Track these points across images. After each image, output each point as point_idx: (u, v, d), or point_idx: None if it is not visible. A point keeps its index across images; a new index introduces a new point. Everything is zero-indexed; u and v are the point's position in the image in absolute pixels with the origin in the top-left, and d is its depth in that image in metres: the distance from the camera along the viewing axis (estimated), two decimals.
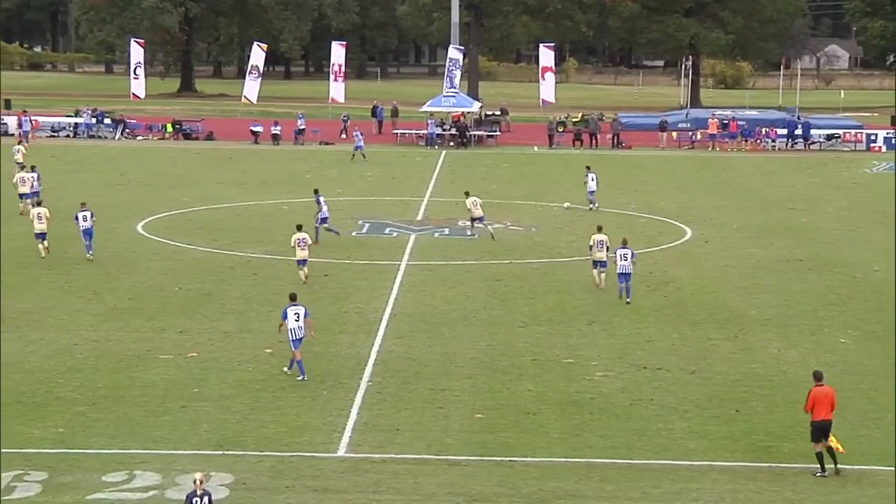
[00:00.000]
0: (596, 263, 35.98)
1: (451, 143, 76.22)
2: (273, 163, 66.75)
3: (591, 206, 50.53)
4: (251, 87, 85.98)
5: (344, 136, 78.92)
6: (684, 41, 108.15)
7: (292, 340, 26.75)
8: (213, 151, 71.94)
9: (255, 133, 76.98)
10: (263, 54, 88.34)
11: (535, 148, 75.99)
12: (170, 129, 79.73)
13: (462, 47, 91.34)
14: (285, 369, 27.18)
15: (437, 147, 74.89)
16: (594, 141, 77.20)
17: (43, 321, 31.15)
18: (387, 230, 45.80)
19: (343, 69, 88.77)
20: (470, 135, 77.61)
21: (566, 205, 51.41)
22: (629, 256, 34.38)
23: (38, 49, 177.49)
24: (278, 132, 76.53)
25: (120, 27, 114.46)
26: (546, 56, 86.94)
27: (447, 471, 21.56)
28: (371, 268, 38.80)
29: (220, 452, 22.06)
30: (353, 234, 44.88)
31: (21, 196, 47.54)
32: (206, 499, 17.55)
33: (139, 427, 23.37)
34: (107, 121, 80.00)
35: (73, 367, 27.17)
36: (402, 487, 20.79)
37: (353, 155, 67.12)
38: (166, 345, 29.11)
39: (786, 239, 44.60)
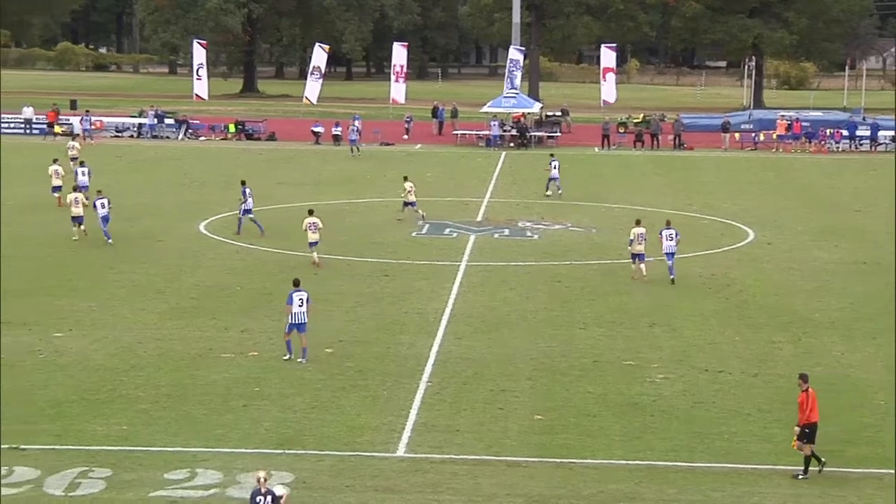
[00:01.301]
0: (634, 257, 36.82)
1: (511, 144, 76.13)
2: (333, 163, 67.01)
3: (548, 193, 53.23)
4: (312, 88, 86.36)
5: (406, 136, 79.12)
6: (748, 42, 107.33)
7: (296, 324, 27.68)
8: (275, 152, 72.33)
9: (316, 134, 77.31)
10: (325, 55, 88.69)
11: (596, 149, 75.77)
12: (232, 129, 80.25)
13: (523, 48, 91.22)
14: (286, 357, 27.81)
15: (497, 148, 74.83)
16: (655, 142, 76.83)
17: (107, 319, 31.45)
18: (446, 231, 45.82)
19: (404, 70, 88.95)
20: (530, 135, 77.50)
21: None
22: (674, 236, 36.34)
23: (103, 50, 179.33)
24: (339, 133, 76.81)
25: (184, 28, 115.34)
26: (607, 56, 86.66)
27: (506, 472, 21.53)
28: (431, 268, 38.84)
29: (281, 451, 22.16)
30: (413, 234, 44.95)
31: (53, 188, 48.85)
32: (269, 497, 17.58)
33: (201, 425, 23.53)
34: (169, 121, 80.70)
35: (137, 366, 27.41)
36: (462, 488, 20.79)
37: (352, 150, 69.58)
38: (228, 344, 29.29)
39: (850, 241, 44.14)
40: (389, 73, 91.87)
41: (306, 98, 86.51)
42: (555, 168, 54.45)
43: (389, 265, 38.92)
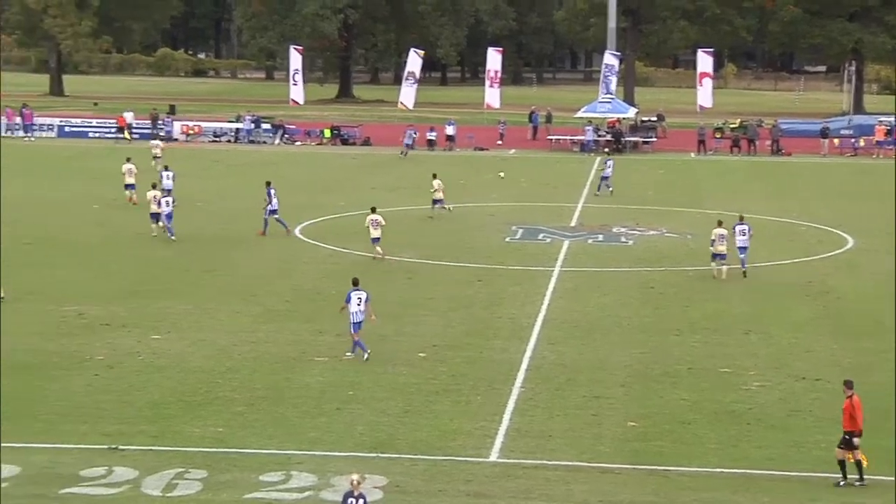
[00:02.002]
0: (715, 256, 37.65)
1: (606, 149, 75.76)
2: (428, 168, 67.11)
3: (597, 192, 55.33)
4: (407, 93, 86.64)
5: (500, 142, 79.12)
6: (847, 46, 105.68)
7: (353, 323, 28.20)
8: (369, 157, 72.70)
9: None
10: (420, 60, 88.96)
11: (692, 154, 75.13)
12: (328, 134, 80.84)
13: (618, 53, 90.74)
14: (365, 357, 28.04)
15: (591, 153, 74.51)
16: (752, 147, 75.99)
17: (204, 322, 31.83)
18: (540, 236, 45.73)
19: (499, 75, 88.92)
20: (625, 140, 77.09)
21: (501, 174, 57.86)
22: (746, 231, 37.76)
23: (201, 56, 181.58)
24: (433, 138, 77.02)
25: (281, 34, 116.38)
26: (704, 61, 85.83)
27: (599, 478, 21.41)
28: (524, 273, 38.78)
29: (374, 455, 22.24)
30: (507, 239, 44.92)
31: (126, 186, 50.49)
32: (361, 501, 17.61)
33: (295, 428, 23.70)
34: (265, 126, 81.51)
35: (232, 368, 27.70)
36: (554, 494, 20.71)
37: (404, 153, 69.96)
38: (322, 347, 29.48)
39: None
40: (484, 78, 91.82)
41: (401, 103, 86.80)
42: (609, 167, 56.43)
43: (483, 270, 38.93)
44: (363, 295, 28.47)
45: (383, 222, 40.22)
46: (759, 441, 23.30)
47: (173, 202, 42.85)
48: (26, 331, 30.31)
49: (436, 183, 48.89)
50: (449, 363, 28.28)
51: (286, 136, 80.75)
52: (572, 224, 48.70)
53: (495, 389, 26.33)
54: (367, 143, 79.77)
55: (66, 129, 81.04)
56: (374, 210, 40.72)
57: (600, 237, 45.65)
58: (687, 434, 23.71)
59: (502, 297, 35.23)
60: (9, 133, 78.59)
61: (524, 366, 28.24)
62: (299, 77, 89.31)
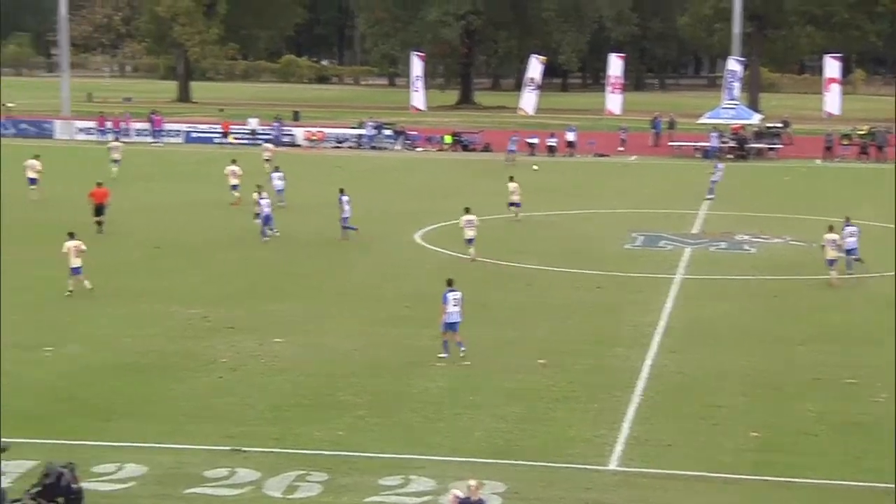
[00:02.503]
0: (830, 262, 37.49)
1: (730, 156, 74.86)
2: (548, 174, 67.02)
3: (709, 197, 55.50)
4: (528, 99, 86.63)
5: (622, 148, 78.69)
6: None
7: (446, 323, 28.56)
8: (490, 163, 72.75)
9: (531, 145, 77.50)
10: (541, 66, 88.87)
11: (818, 161, 73.90)
12: (448, 140, 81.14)
13: (743, 58, 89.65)
14: (441, 354, 28.50)
15: (714, 160, 73.61)
16: (881, 154, 74.46)
17: (324, 326, 32.12)
18: (661, 243, 45.34)
19: (621, 81, 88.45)
20: (749, 147, 76.09)
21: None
22: (855, 233, 38.12)
23: (325, 63, 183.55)
24: (554, 144, 76.85)
25: (403, 41, 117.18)
26: (831, 67, 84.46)
27: (721, 489, 21.15)
28: (645, 281, 38.48)
29: (493, 461, 22.23)
30: (627, 246, 44.63)
31: (232, 187, 52.23)
32: None
33: (415, 433, 23.80)
34: (387, 132, 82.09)
35: (353, 372, 27.90)
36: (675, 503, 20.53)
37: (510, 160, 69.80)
38: (438, 352, 29.53)
39: None
40: (605, 85, 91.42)
41: (522, 109, 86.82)
42: (718, 172, 57.58)
43: (602, 277, 38.72)
44: (458, 295, 28.76)
45: (477, 223, 41.04)
46: (886, 454, 22.77)
47: (281, 203, 43.41)
48: (152, 332, 30.91)
49: (512, 186, 49.43)
50: (568, 370, 28.17)
51: (407, 142, 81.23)
52: (694, 231, 48.21)
53: (615, 397, 26.16)
54: (487, 149, 79.89)
55: (193, 134, 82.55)
56: (468, 210, 41.24)
57: (723, 245, 45.11)
58: (811, 445, 23.31)
59: (622, 305, 35.01)
60: (108, 138, 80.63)
61: (644, 374, 28.02)
62: (421, 83, 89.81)
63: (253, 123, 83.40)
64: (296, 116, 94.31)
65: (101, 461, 21.72)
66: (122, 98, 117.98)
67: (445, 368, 28.18)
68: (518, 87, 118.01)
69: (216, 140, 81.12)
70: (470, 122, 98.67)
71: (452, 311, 28.58)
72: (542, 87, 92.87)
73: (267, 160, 62.11)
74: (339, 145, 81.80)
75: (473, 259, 40.40)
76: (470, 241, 40.73)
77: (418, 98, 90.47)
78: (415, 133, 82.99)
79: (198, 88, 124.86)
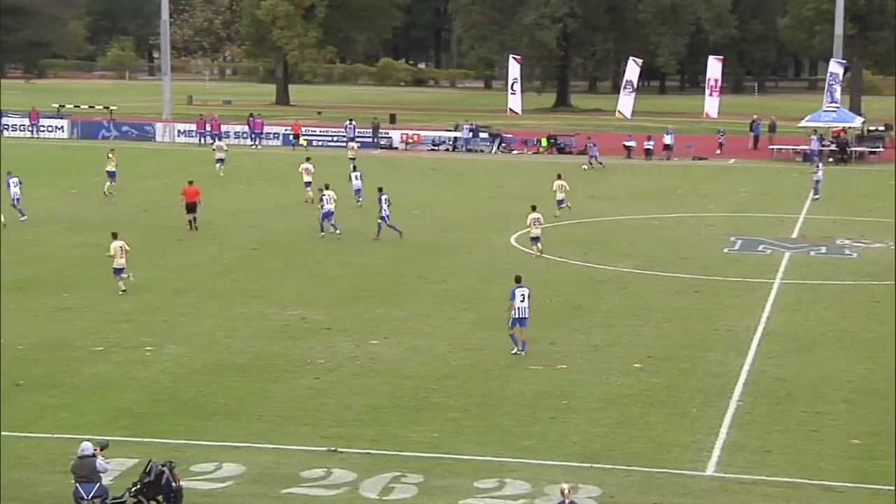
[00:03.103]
0: None
1: (831, 160, 73.81)
2: (645, 177, 66.66)
3: (816, 196, 56.04)
4: (625, 102, 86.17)
5: (719, 151, 77.96)
6: None
7: (518, 319, 29.17)
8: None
9: (627, 148, 77.12)
10: (638, 69, 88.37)
11: None
12: (544, 143, 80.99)
13: (844, 61, 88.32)
14: (513, 351, 29.12)
15: (815, 163, 72.64)
16: None
17: (420, 328, 32.25)
18: (760, 247, 44.83)
19: (719, 84, 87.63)
20: (850, 151, 74.94)
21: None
22: None
23: (422, 66, 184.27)
24: (651, 147, 76.39)
25: (500, 44, 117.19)
26: None
27: (821, 496, 20.87)
28: (742, 285, 38.09)
29: (588, 465, 22.16)
30: (725, 250, 44.20)
31: (306, 184, 53.47)
32: None
33: (509, 436, 23.80)
34: (483, 135, 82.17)
35: (448, 374, 27.98)
36: None
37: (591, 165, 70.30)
38: (536, 356, 29.52)
39: None
40: (704, 87, 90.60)
41: (619, 112, 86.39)
42: (820, 171, 57.82)
43: (700, 281, 38.40)
44: (526, 291, 29.35)
45: (543, 221, 41.95)
46: None
47: (333, 199, 44.84)
48: (251, 333, 31.26)
49: (556, 184, 50.48)
50: (664, 375, 27.99)
51: (503, 144, 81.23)
52: (794, 235, 47.61)
53: (712, 402, 25.94)
54: (583, 151, 79.56)
55: (291, 137, 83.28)
56: (534, 208, 42.07)
57: (823, 249, 44.50)
58: None
59: (720, 309, 34.69)
60: (198, 140, 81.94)
61: (742, 379, 27.73)
62: (518, 86, 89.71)
63: (350, 127, 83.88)
64: (392, 119, 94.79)
65: (200, 460, 22.03)
66: (222, 101, 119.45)
67: (540, 372, 28.15)
68: (615, 89, 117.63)
69: (315, 143, 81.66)
70: (566, 124, 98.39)
71: (520, 306, 29.19)
72: (640, 90, 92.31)
73: (352, 159, 63.13)
74: (435, 148, 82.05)
75: (538, 255, 41.39)
76: (536, 238, 41.67)
77: (515, 101, 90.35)
78: (510, 136, 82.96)
79: (296, 91, 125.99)
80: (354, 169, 54.59)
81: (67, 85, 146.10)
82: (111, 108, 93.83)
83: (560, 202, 50.15)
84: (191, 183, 47.29)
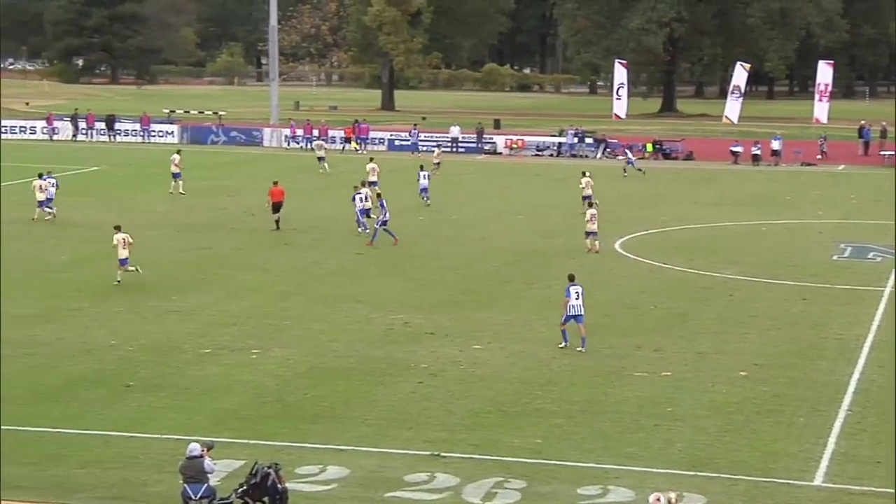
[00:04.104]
0: None
1: None
2: (752, 183, 65.89)
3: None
4: (732, 107, 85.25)
5: (820, 156, 76.82)
6: None
7: (573, 315, 30.13)
8: (692, 171, 71.90)
9: (734, 153, 76.31)
10: (746, 74, 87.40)
11: None
12: (650, 148, 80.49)
13: None
14: (561, 345, 29.97)
15: None
16: None
17: (523, 333, 32.20)
18: (870, 255, 44.05)
19: (829, 88, 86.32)
20: None
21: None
22: None
23: (526, 71, 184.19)
24: (758, 152, 75.51)
25: (605, 48, 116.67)
26: None
27: None
28: (852, 293, 37.45)
29: (693, 473, 21.95)
30: (834, 257, 43.51)
31: (371, 184, 53.48)
32: None
33: (613, 442, 23.66)
34: (588, 140, 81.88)
35: (551, 380, 27.89)
36: None
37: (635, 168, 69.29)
38: (640, 363, 29.33)
39: None
40: (813, 92, 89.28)
41: (726, 117, 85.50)
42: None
43: (808, 288, 37.84)
44: (580, 289, 30.33)
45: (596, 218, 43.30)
46: None
47: (366, 198, 46.42)
48: (355, 337, 31.46)
49: (584, 181, 51.96)
50: (771, 383, 27.63)
51: (608, 150, 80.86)
52: None
53: (820, 412, 25.54)
54: (689, 157, 78.96)
55: (396, 142, 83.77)
56: (591, 205, 43.91)
57: None
58: None
59: (828, 317, 34.15)
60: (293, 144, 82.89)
61: (851, 388, 27.26)
62: (623, 91, 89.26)
63: (455, 132, 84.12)
64: (497, 124, 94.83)
65: (305, 462, 22.22)
66: (328, 106, 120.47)
67: (644, 378, 27.95)
68: (722, 94, 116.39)
69: (422, 148, 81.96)
70: (672, 130, 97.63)
71: (575, 304, 30.07)
72: (747, 95, 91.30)
73: (437, 164, 64.50)
74: (540, 153, 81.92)
75: (591, 251, 42.86)
76: (591, 233, 43.04)
77: (620, 106, 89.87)
78: (615, 141, 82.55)
79: (401, 97, 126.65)
80: (422, 168, 56.05)
81: (178, 90, 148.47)
82: (220, 113, 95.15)
83: (586, 198, 50.12)
84: (276, 184, 48.36)
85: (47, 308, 33.76)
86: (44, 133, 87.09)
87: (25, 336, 30.68)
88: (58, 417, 24.53)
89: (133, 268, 37.37)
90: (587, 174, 52.77)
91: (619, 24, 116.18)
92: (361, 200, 46.36)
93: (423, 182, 54.61)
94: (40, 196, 49.45)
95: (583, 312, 30.13)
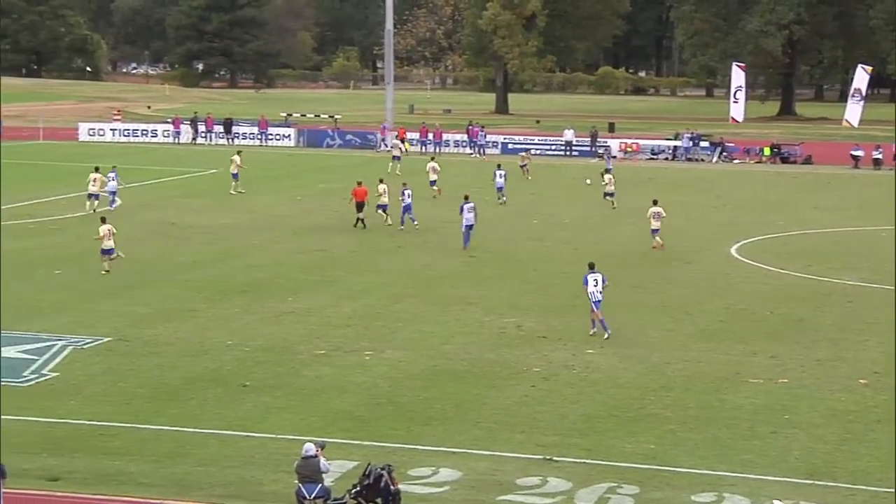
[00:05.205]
0: None
1: None
2: (872, 188, 64.66)
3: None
4: (853, 111, 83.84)
5: None
6: None
7: (593, 302, 31.58)
8: (811, 175, 70.80)
9: (855, 157, 74.98)
10: (867, 77, 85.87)
11: None
12: (767, 152, 79.47)
13: None
14: (591, 332, 31.39)
15: None
16: None
17: (637, 339, 31.98)
18: None
19: None
20: None
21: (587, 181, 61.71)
22: None
23: (642, 74, 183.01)
24: (880, 157, 74.10)
25: (723, 51, 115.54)
26: None
27: None
28: None
29: (810, 482, 21.62)
30: None
31: (431, 183, 57.47)
32: None
33: (727, 449, 23.39)
34: (704, 144, 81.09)
35: (665, 386, 27.67)
36: None
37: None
38: (756, 369, 28.96)
39: None
40: None
41: (846, 121, 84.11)
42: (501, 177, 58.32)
43: None
44: (599, 277, 31.69)
45: (664, 214, 44.40)
46: None
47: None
48: (467, 340, 31.51)
49: (607, 177, 55.37)
50: (892, 391, 27.07)
51: (724, 153, 79.99)
52: None
53: None
54: (808, 161, 77.79)
55: (510, 145, 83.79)
56: (655, 203, 44.59)
57: None
58: None
59: None
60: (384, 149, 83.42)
61: None
62: (741, 94, 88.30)
63: (569, 135, 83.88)
64: (611, 128, 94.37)
65: (417, 464, 22.31)
66: (442, 110, 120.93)
67: (760, 385, 27.60)
68: (842, 98, 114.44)
69: (535, 151, 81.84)
70: (790, 133, 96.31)
71: (592, 290, 31.51)
72: (869, 98, 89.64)
73: (522, 167, 65.69)
74: (654, 157, 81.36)
75: (657, 247, 44.01)
76: (655, 231, 44.17)
77: (737, 109, 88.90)
78: (732, 145, 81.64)
79: (515, 100, 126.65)
80: (499, 167, 57.31)
81: (294, 94, 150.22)
82: (336, 117, 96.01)
83: (608, 195, 54.45)
84: (360, 184, 49.71)
85: (167, 308, 34.37)
86: (165, 136, 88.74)
87: (148, 335, 31.28)
88: (176, 416, 24.97)
89: (118, 254, 39.28)
90: (609, 171, 56.23)
91: (736, 27, 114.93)
92: (409, 197, 48.48)
93: (500, 181, 56.15)
94: (93, 189, 52.03)
95: (601, 298, 31.51)
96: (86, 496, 20.78)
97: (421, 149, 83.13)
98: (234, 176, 58.88)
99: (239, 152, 61.50)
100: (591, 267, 32.34)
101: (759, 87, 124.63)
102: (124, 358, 29.14)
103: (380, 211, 49.10)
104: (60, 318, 32.81)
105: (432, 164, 59.39)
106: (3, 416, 24.25)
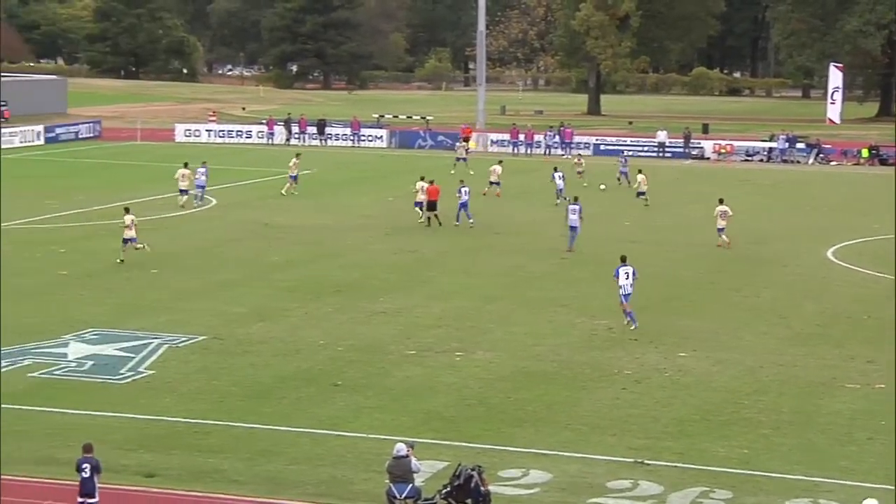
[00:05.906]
0: None
1: None
2: None
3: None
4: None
5: None
6: None
7: (623, 295, 32.26)
8: None
9: None
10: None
11: None
12: (865, 154, 78.23)
13: None
14: (629, 325, 31.96)
15: None
16: None
17: (730, 342, 31.67)
18: None
19: None
20: None
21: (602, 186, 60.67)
22: None
23: (737, 75, 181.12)
24: None
25: (820, 51, 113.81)
26: None
27: None
28: None
29: None
30: None
31: (493, 184, 58.30)
32: None
33: (823, 455, 23.09)
34: (800, 145, 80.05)
35: (759, 390, 27.37)
36: None
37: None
38: (853, 374, 28.55)
39: None
40: None
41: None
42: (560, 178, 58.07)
43: None
44: (630, 270, 32.43)
45: (730, 213, 44.86)
46: None
47: (468, 193, 49.71)
48: (559, 342, 31.43)
49: (640, 177, 56.40)
50: None
51: (821, 155, 78.91)
52: None
53: None
54: None
55: (602, 147, 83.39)
56: (721, 202, 45.27)
57: None
58: None
59: None
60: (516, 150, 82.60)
61: None
62: (838, 95, 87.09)
63: (661, 136, 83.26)
64: (705, 129, 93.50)
65: (508, 466, 22.30)
66: (534, 111, 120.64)
67: (857, 391, 27.20)
68: None
69: (626, 153, 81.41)
70: (889, 135, 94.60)
71: (623, 283, 32.22)
72: None
73: (579, 173, 64.43)
74: (749, 158, 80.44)
75: (721, 246, 44.29)
76: (721, 229, 44.46)
77: (833, 110, 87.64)
78: (829, 146, 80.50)
79: (607, 101, 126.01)
80: (556, 170, 57.69)
81: (387, 95, 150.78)
82: (427, 118, 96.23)
83: (640, 194, 55.74)
84: (431, 182, 50.42)
85: (260, 307, 34.71)
86: (259, 137, 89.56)
87: (241, 334, 31.61)
88: (269, 414, 25.20)
89: (141, 245, 40.40)
90: (641, 171, 57.38)
91: (834, 27, 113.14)
92: (466, 194, 49.63)
93: (560, 183, 56.17)
94: (183, 184, 53.35)
95: (631, 292, 32.24)
96: (181, 492, 21.07)
97: (513, 150, 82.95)
98: (293, 178, 58.99)
99: (298, 155, 61.63)
100: (623, 260, 33.15)
101: (857, 87, 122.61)
102: (218, 356, 29.48)
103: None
104: (156, 317, 33.29)
105: (496, 167, 59.60)
106: (99, 413, 24.74)
